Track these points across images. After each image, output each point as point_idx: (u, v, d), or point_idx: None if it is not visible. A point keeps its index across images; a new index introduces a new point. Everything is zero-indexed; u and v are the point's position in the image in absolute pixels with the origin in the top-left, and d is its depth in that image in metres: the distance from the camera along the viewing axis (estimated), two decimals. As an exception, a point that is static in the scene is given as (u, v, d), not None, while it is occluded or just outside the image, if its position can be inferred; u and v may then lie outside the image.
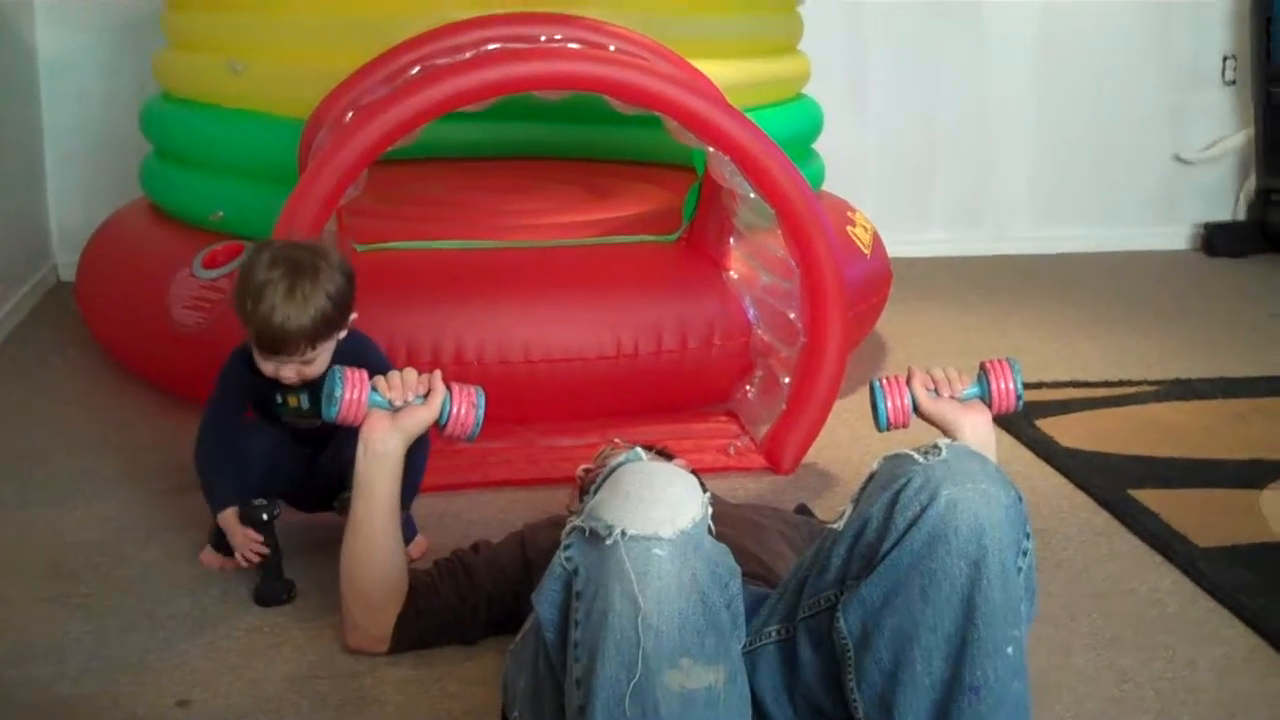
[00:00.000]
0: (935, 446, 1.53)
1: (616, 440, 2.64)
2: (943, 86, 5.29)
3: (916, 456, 1.52)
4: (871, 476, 1.56)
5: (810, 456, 3.04)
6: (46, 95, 4.68)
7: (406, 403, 2.12)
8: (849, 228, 3.76)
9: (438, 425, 2.14)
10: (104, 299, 3.65)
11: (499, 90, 2.75)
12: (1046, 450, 3.15)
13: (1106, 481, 2.98)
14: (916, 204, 5.36)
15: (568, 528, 1.48)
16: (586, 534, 1.43)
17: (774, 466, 3.02)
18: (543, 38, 3.07)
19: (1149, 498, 2.88)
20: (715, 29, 3.53)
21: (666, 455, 2.56)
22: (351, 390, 2.09)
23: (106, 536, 2.68)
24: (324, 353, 2.34)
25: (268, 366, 2.34)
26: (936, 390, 2.16)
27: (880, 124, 5.27)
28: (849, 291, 3.06)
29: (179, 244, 3.44)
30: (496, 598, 2.18)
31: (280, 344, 2.29)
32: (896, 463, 1.53)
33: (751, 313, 3.26)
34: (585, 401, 3.21)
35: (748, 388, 3.26)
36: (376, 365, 2.34)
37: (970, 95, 5.31)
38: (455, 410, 2.13)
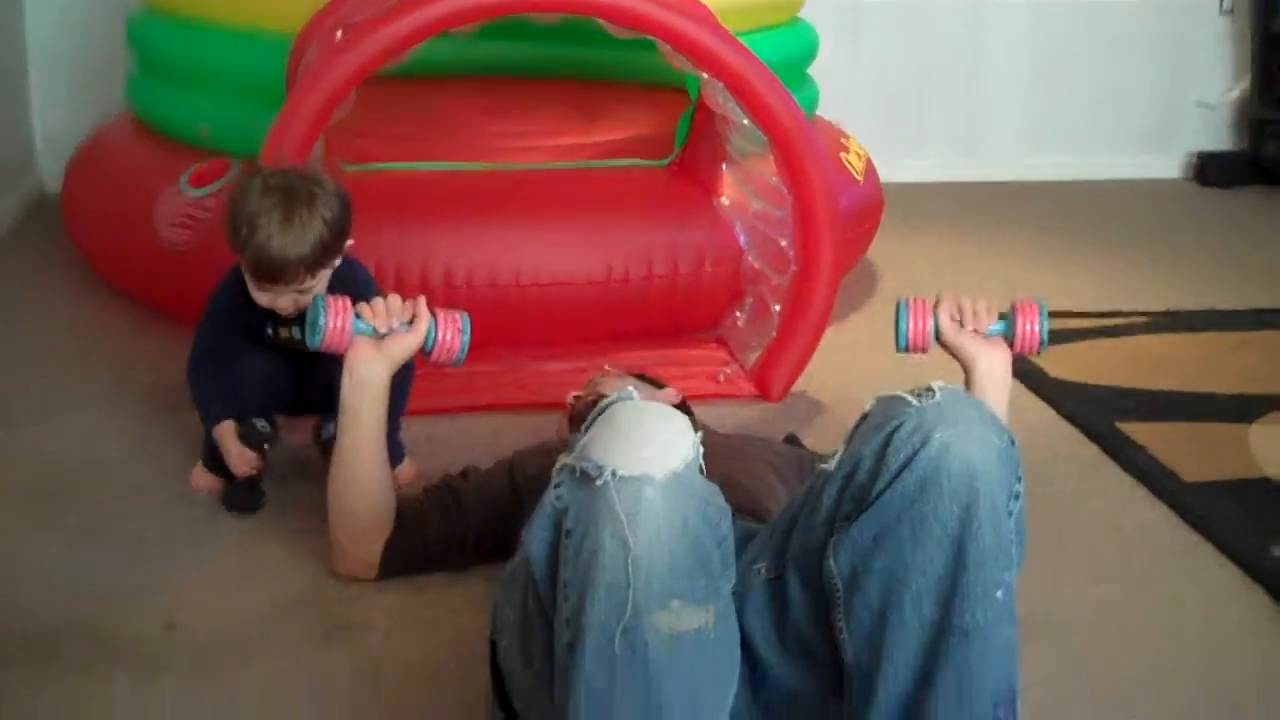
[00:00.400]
0: (929, 389, 1.52)
1: (607, 368, 2.63)
2: (937, 14, 5.22)
3: (910, 399, 1.50)
4: (864, 417, 1.55)
5: (799, 385, 3.04)
6: (30, 3, 4.60)
7: (391, 329, 2.11)
8: (842, 154, 3.73)
9: (423, 351, 2.13)
10: (89, 216, 3.61)
11: (493, 12, 2.70)
12: (1035, 381, 3.15)
13: (1095, 413, 2.98)
14: (910, 131, 5.31)
15: (558, 465, 1.47)
16: (577, 473, 1.42)
17: (763, 394, 3.01)
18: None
19: (1137, 431, 2.88)
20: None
21: (657, 384, 2.55)
22: (335, 318, 2.08)
23: (91, 454, 2.67)
24: (321, 281, 2.31)
25: (263, 297, 2.30)
26: (961, 321, 2.15)
27: (874, 50, 5.21)
28: (841, 218, 3.03)
29: (165, 161, 3.40)
30: (485, 525, 2.18)
31: (277, 273, 2.24)
32: (890, 404, 1.52)
33: (743, 239, 3.24)
34: (575, 326, 3.19)
35: (738, 314, 3.25)
36: (364, 289, 2.32)
37: (965, 23, 5.25)
38: (440, 336, 2.11)
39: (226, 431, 2.39)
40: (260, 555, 2.30)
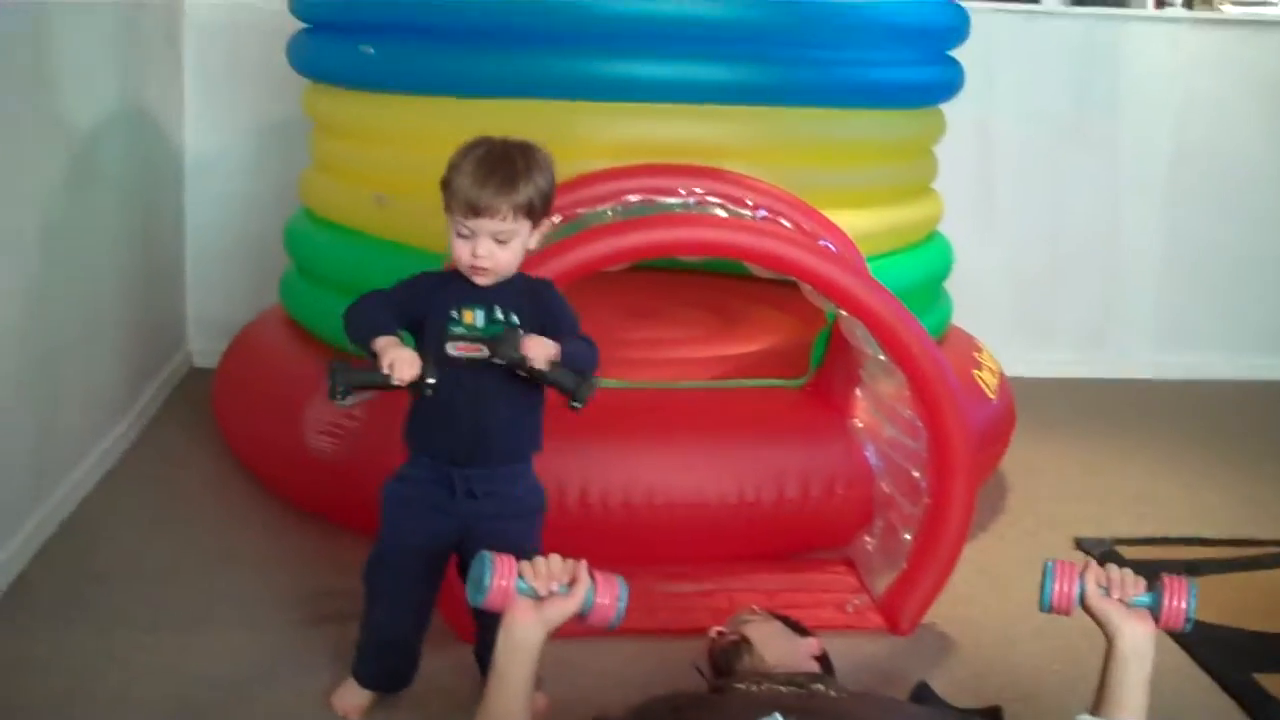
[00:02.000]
0: None
1: (754, 608, 2.67)
2: (1070, 210, 5.25)
3: None
4: None
5: (928, 616, 3.04)
6: (190, 193, 4.83)
7: (551, 592, 2.16)
8: (975, 370, 3.75)
9: (579, 614, 2.17)
10: (240, 411, 3.75)
11: (639, 256, 2.80)
12: (1170, 622, 3.11)
13: (1230, 661, 2.93)
14: (1040, 323, 5.32)
15: None
16: None
17: (892, 627, 3.02)
18: (681, 190, 3.12)
19: (1276, 685, 2.83)
20: (851, 179, 3.55)
21: (800, 630, 2.58)
22: (500, 578, 2.13)
23: (235, 673, 2.73)
24: (517, 238, 2.35)
25: (463, 248, 2.33)
26: (1108, 589, 2.21)
27: (1006, 242, 5.24)
28: (974, 445, 3.05)
29: (316, 365, 3.51)
30: None
31: (484, 204, 2.29)
32: None
33: (875, 462, 3.27)
34: (705, 547, 3.23)
35: (868, 538, 3.26)
36: (561, 312, 2.42)
37: (1098, 218, 5.27)
38: (598, 601, 2.16)
39: (388, 341, 2.31)
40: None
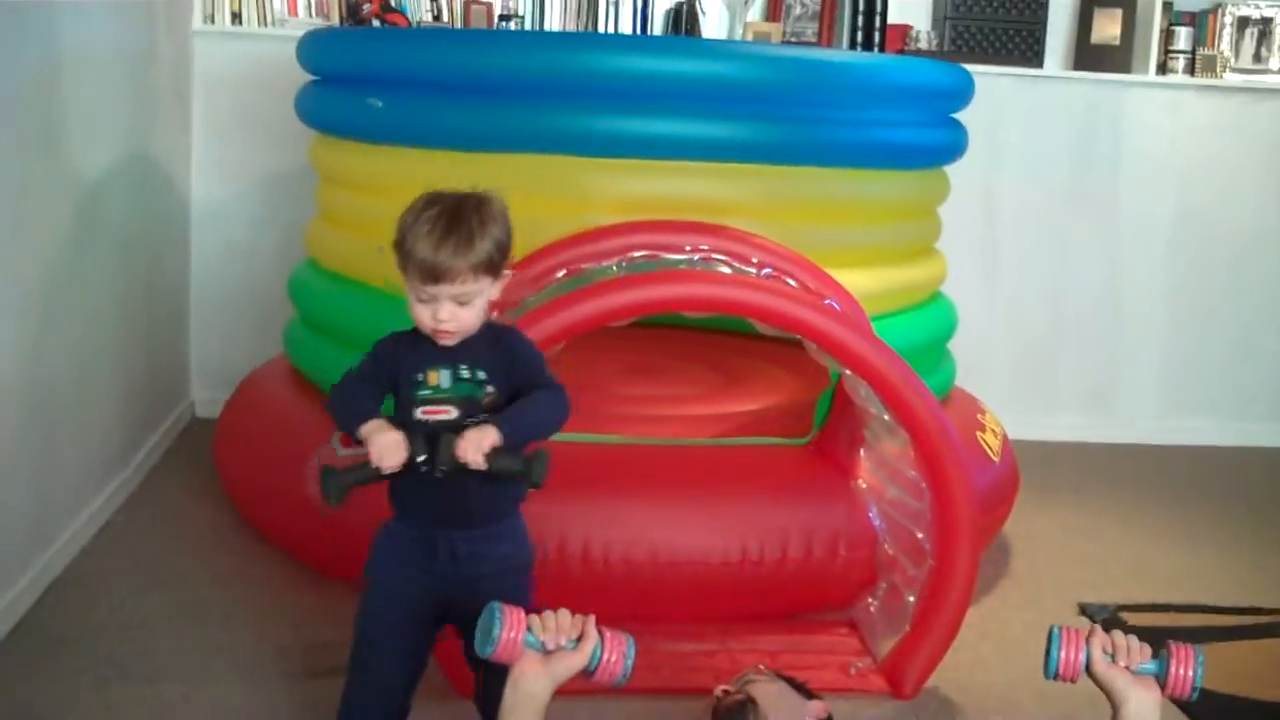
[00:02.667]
0: None
1: (761, 667, 2.64)
2: (1073, 273, 5.27)
3: None
4: None
5: (932, 680, 3.01)
6: (196, 243, 4.84)
7: (559, 646, 2.14)
8: (979, 433, 3.74)
9: (586, 670, 2.15)
10: (240, 462, 3.73)
11: (644, 311, 2.80)
12: (1175, 689, 3.08)
13: (1237, 732, 2.91)
14: (1044, 387, 5.32)
15: None
16: None
17: (895, 690, 2.99)
18: (687, 246, 3.13)
19: (1282, 754, 2.81)
20: (855, 238, 3.56)
21: (806, 692, 2.55)
22: (509, 630, 2.11)
23: (231, 730, 2.72)
24: (480, 296, 2.27)
25: (424, 312, 2.25)
26: (1114, 655, 2.18)
27: (1010, 306, 5.25)
28: (978, 503, 3.04)
29: (318, 416, 3.50)
30: None
31: (443, 268, 2.21)
32: None
33: (878, 523, 3.25)
34: (706, 605, 3.21)
35: (871, 600, 3.24)
36: (527, 359, 2.33)
37: (1101, 281, 5.28)
38: (606, 658, 2.14)
39: (377, 425, 2.25)
40: None
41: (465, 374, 2.32)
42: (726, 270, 3.12)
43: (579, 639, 2.15)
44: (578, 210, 3.27)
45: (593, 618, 2.18)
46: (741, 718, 2.42)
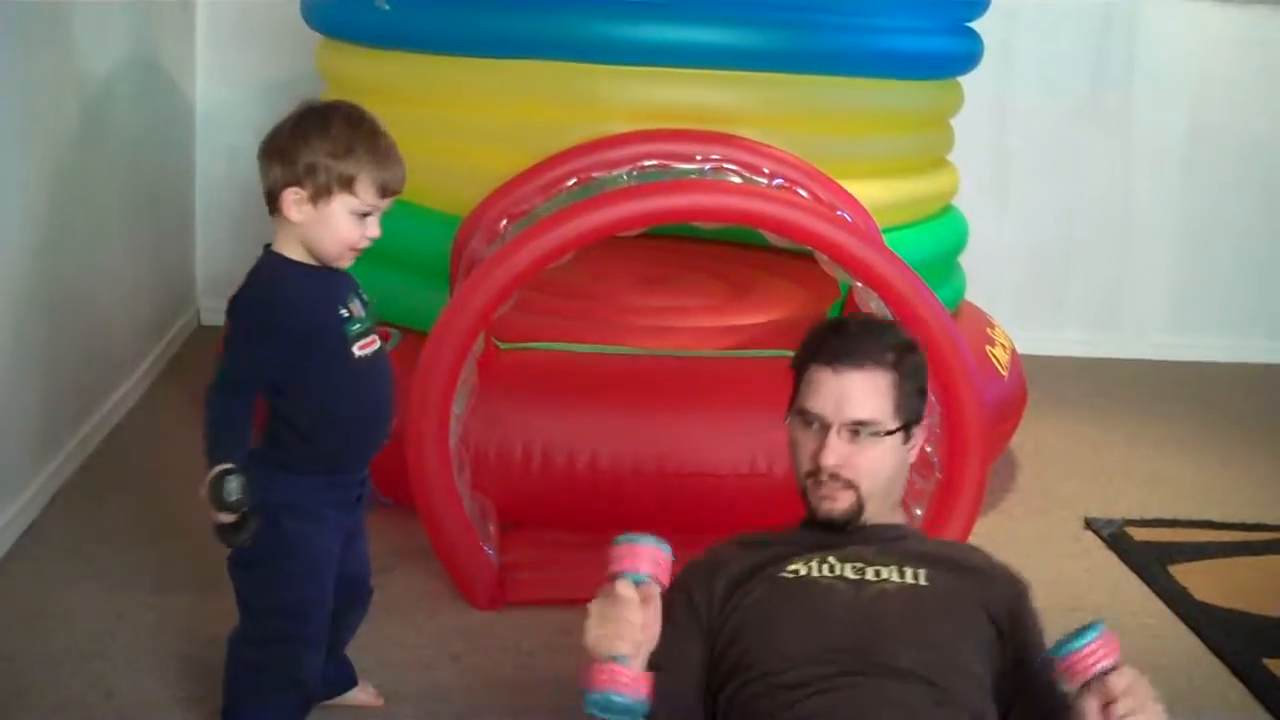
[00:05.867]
0: None
1: None
2: (1085, 188, 5.22)
3: None
4: None
5: (938, 592, 3.02)
6: (201, 148, 4.79)
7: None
8: (988, 347, 3.72)
9: None
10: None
11: (654, 221, 2.78)
12: (1180, 604, 3.09)
13: (1241, 647, 2.91)
14: (1053, 302, 5.29)
15: None
16: None
17: (901, 602, 2.99)
18: (698, 156, 3.09)
19: (1286, 670, 2.82)
20: (868, 149, 3.51)
21: None
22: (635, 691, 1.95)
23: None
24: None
25: (355, 228, 2.16)
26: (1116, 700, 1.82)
27: (1020, 220, 5.21)
28: (987, 417, 3.03)
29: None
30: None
31: (400, 179, 2.17)
32: None
33: (886, 437, 3.24)
34: (714, 516, 3.19)
35: (878, 512, 3.24)
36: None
37: (1112, 197, 5.24)
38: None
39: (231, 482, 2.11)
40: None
41: (364, 296, 2.25)
42: (737, 180, 3.09)
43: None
44: (588, 118, 3.23)
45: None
46: None
